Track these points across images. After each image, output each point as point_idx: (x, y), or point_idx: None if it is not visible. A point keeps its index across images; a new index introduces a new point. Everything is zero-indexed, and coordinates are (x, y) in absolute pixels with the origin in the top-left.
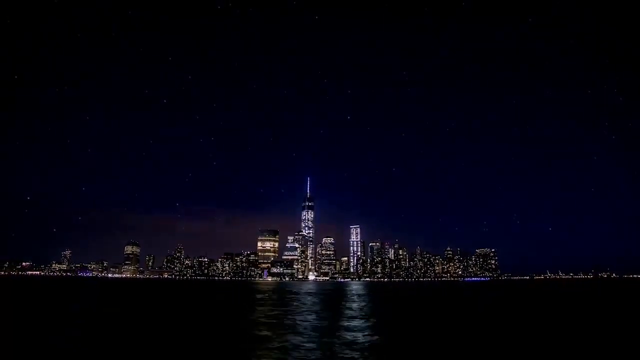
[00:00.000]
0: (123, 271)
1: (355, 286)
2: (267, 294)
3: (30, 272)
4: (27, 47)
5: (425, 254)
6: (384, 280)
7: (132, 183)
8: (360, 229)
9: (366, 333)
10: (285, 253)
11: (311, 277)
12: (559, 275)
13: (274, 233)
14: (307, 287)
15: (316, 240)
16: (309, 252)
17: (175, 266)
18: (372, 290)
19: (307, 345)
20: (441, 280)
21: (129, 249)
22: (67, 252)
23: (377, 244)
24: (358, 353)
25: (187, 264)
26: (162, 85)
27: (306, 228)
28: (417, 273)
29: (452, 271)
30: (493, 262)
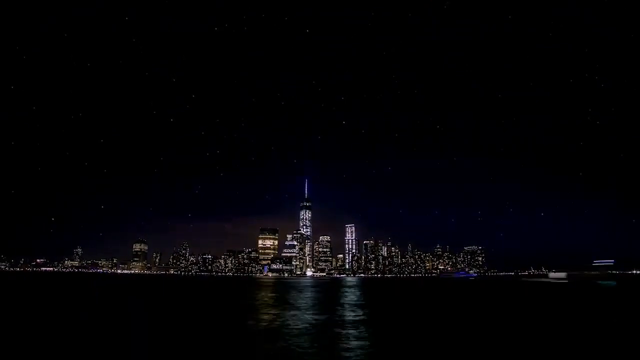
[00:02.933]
0: (131, 267)
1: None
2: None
3: (44, 268)
4: (43, 79)
5: (416, 251)
6: (377, 276)
7: (146, 199)
8: (355, 227)
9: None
10: (285, 250)
11: (309, 273)
12: (542, 271)
13: (273, 232)
14: (309, 282)
15: (313, 239)
16: (307, 249)
17: (181, 263)
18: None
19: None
20: (431, 276)
21: (137, 247)
22: (79, 250)
23: (371, 242)
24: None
25: (192, 260)
26: (168, 105)
27: (304, 227)
28: (409, 269)
29: (441, 268)
30: (480, 259)
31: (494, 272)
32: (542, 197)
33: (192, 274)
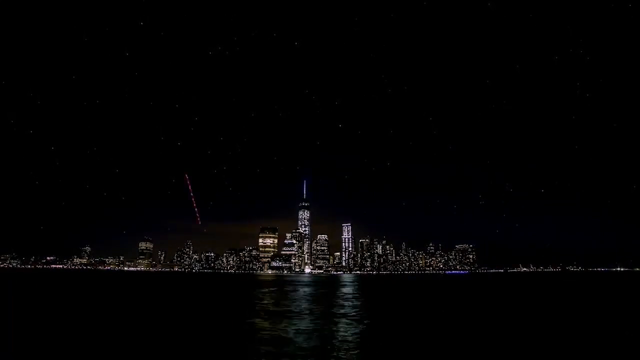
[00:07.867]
0: (137, 265)
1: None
2: None
3: (53, 266)
4: (58, 121)
5: (410, 250)
6: (372, 273)
7: (159, 215)
8: (352, 226)
9: None
10: (284, 249)
11: (307, 270)
12: (530, 269)
13: (273, 231)
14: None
15: (312, 237)
16: (305, 247)
17: (185, 260)
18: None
19: None
20: (424, 273)
21: (143, 245)
22: (87, 248)
23: (367, 240)
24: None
25: (195, 258)
26: (174, 129)
27: (303, 226)
28: (403, 267)
29: (434, 265)
30: (471, 256)
31: (484, 270)
32: (539, 196)
33: (195, 271)
